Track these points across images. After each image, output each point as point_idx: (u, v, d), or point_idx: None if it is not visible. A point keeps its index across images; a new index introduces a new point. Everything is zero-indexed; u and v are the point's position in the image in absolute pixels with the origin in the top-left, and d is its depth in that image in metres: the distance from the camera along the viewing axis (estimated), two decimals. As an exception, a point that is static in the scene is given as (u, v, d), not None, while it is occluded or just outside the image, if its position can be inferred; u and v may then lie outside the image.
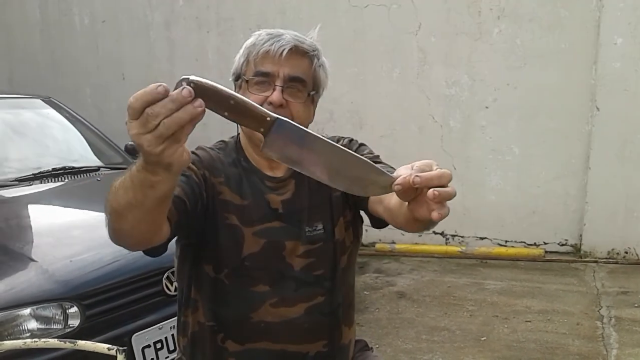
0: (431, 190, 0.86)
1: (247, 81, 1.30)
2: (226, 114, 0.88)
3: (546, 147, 4.64)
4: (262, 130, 0.90)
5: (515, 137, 4.73)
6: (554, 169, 4.65)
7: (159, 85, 0.81)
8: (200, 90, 0.85)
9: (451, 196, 0.89)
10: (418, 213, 0.91)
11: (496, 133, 4.77)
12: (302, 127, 0.92)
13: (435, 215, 0.88)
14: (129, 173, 0.96)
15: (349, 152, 0.92)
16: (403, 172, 0.89)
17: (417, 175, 0.87)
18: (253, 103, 0.90)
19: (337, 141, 1.43)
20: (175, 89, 0.84)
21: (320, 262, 1.35)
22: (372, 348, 1.62)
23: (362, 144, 1.44)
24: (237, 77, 1.34)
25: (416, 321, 3.62)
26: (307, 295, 1.34)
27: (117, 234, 1.07)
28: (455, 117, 4.89)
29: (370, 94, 5.08)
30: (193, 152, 1.36)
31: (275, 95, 1.27)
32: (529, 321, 3.53)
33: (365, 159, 0.92)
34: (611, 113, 4.39)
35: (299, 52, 1.29)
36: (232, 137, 1.44)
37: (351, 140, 1.44)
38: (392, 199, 1.14)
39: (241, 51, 1.34)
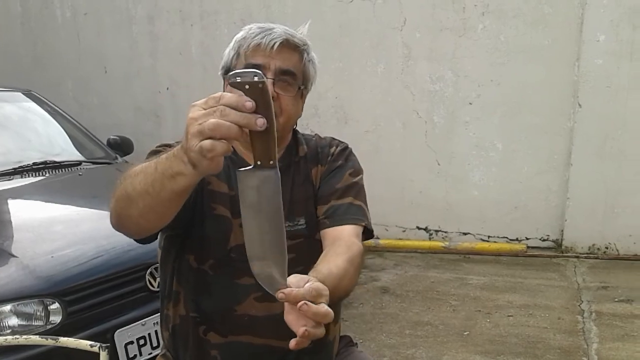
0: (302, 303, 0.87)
1: None
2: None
3: (529, 143, 4.68)
4: (258, 162, 0.89)
5: (498, 133, 4.76)
6: (536, 165, 4.69)
7: (249, 102, 0.84)
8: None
9: (324, 320, 0.90)
10: (289, 319, 0.92)
11: (479, 129, 4.80)
12: (280, 199, 0.92)
13: (301, 330, 0.88)
14: (155, 160, 0.98)
15: (283, 238, 0.93)
16: (294, 282, 0.92)
17: (305, 303, 0.88)
18: (275, 140, 0.87)
19: (333, 146, 1.45)
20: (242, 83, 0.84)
21: (301, 258, 1.30)
22: (356, 344, 1.62)
23: (349, 158, 1.45)
24: (227, 71, 1.33)
25: (400, 316, 3.64)
26: None
27: (121, 220, 1.10)
28: (440, 112, 4.91)
29: (355, 89, 5.08)
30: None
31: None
32: (511, 316, 3.56)
33: (285, 256, 0.93)
34: (593, 110, 4.43)
35: (290, 45, 1.29)
36: None
37: (345, 148, 1.46)
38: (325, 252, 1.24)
39: (231, 45, 1.34)
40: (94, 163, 3.39)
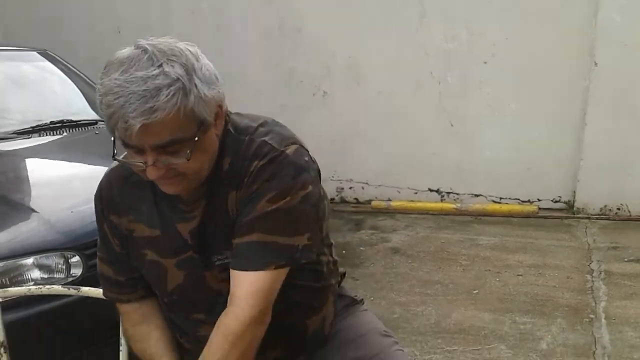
0: None
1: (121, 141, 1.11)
2: None
3: (544, 103, 4.64)
4: None
5: (512, 93, 4.72)
6: (550, 125, 4.66)
7: None
8: None
9: None
10: None
11: (494, 89, 4.76)
12: None
13: None
14: None
15: None
16: None
17: None
18: None
19: (256, 159, 1.17)
20: None
21: None
22: (361, 300, 1.53)
23: (274, 176, 1.15)
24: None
25: (410, 275, 3.70)
26: None
27: None
28: (454, 72, 4.86)
29: (368, 48, 5.04)
30: (98, 205, 1.35)
31: (151, 173, 1.10)
32: (521, 275, 3.61)
33: None
34: (609, 68, 4.37)
35: (152, 124, 1.03)
36: None
37: (272, 160, 1.16)
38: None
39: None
40: (109, 122, 3.42)
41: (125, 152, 1.14)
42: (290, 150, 1.18)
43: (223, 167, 1.19)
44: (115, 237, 1.32)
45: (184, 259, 1.26)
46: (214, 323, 1.24)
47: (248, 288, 1.15)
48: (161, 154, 1.08)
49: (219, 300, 1.24)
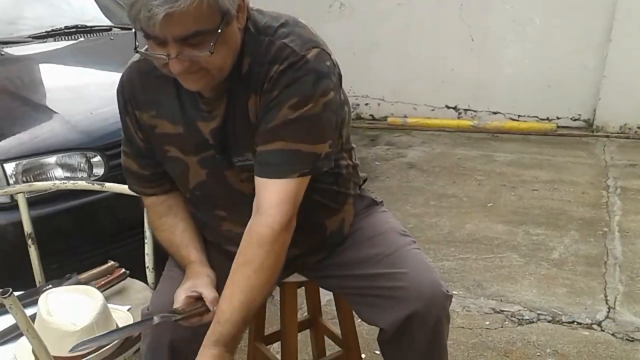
0: None
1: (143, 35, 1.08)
2: None
3: (568, 19, 4.49)
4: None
5: (536, 7, 4.55)
6: (574, 42, 4.53)
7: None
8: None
9: None
10: None
11: (517, 2, 4.59)
12: None
13: None
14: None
15: None
16: None
17: None
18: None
19: (277, 63, 1.13)
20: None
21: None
22: (381, 202, 1.54)
23: (294, 82, 1.13)
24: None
25: (425, 189, 3.73)
26: None
27: None
28: (476, -16, 4.69)
29: (389, -42, 4.84)
30: (120, 99, 1.33)
31: (174, 67, 1.07)
32: (536, 190, 3.62)
33: None
34: (640, -18, 4.19)
35: (175, 14, 1.00)
36: None
37: (292, 65, 1.13)
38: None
39: None
40: (123, 29, 3.37)
41: (147, 45, 1.12)
42: (311, 54, 1.14)
43: (242, 68, 1.17)
44: (139, 131, 1.32)
45: (206, 157, 1.27)
46: (235, 220, 1.31)
47: (276, 196, 1.15)
48: (184, 47, 1.05)
49: (240, 198, 1.27)
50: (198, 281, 1.27)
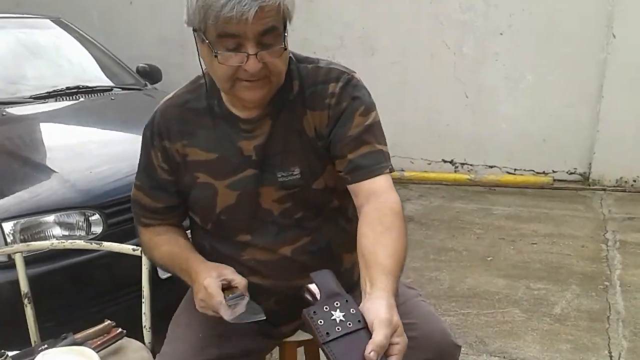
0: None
1: (209, 42, 1.15)
2: None
3: (560, 75, 4.59)
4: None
5: (529, 64, 4.67)
6: (567, 97, 4.62)
7: (220, 305, 1.21)
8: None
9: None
10: None
11: (510, 60, 4.71)
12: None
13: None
14: (179, 265, 1.34)
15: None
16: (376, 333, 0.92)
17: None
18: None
19: (332, 81, 1.27)
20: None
21: (298, 206, 1.31)
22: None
23: (356, 94, 1.27)
24: (195, 30, 1.19)
25: (424, 243, 3.71)
26: (290, 237, 1.32)
27: None
28: (469, 43, 4.82)
29: (383, 19, 4.99)
30: (147, 134, 1.37)
31: (252, 65, 1.15)
32: (535, 243, 3.61)
33: None
34: (627, 40, 4.31)
35: (265, 8, 1.12)
36: (204, 75, 1.32)
37: (348, 82, 1.27)
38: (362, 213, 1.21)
39: (192, 2, 1.15)
40: (124, 89, 3.43)
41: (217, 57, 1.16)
42: (356, 75, 1.31)
43: (293, 90, 1.29)
44: (165, 162, 1.35)
45: (240, 178, 1.30)
46: (257, 245, 1.33)
47: (385, 186, 1.23)
48: (259, 47, 1.14)
49: (267, 218, 1.32)
50: (223, 270, 1.27)
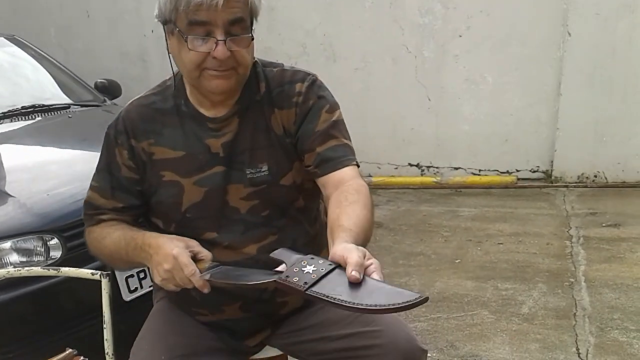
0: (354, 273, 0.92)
1: (179, 30, 1.20)
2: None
3: (519, 75, 4.67)
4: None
5: (488, 65, 4.74)
6: (526, 97, 4.70)
7: (195, 272, 1.17)
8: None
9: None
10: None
11: (470, 62, 4.78)
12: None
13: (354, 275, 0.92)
14: (125, 245, 1.31)
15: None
16: (342, 253, 0.96)
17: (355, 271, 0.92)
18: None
19: (298, 82, 1.33)
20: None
21: (266, 203, 1.33)
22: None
23: (321, 93, 1.33)
24: (165, 22, 1.23)
25: (393, 248, 3.73)
26: (257, 236, 1.33)
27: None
28: (429, 47, 4.86)
29: (343, 25, 5.01)
30: (111, 133, 1.38)
31: (220, 51, 1.19)
32: (501, 243, 3.65)
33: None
34: (583, 38, 4.41)
35: None
36: (172, 77, 1.37)
37: (313, 82, 1.34)
38: (330, 201, 1.23)
39: None
40: (82, 106, 3.37)
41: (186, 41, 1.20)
42: (319, 76, 1.38)
43: (260, 91, 1.33)
44: (130, 159, 1.35)
45: (208, 175, 1.31)
46: (223, 244, 1.33)
47: (352, 173, 1.28)
48: (227, 36, 1.19)
49: (233, 216, 1.33)
50: (189, 242, 1.24)
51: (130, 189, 1.37)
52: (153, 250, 1.23)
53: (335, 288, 0.91)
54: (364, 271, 0.93)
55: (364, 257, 0.95)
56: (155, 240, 1.24)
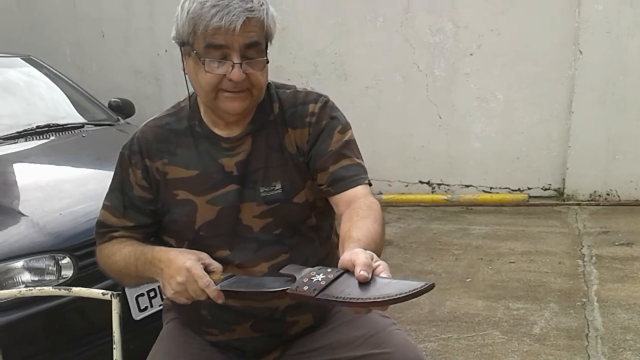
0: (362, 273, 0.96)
1: (196, 53, 1.24)
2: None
3: (530, 93, 4.68)
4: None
5: (499, 83, 4.75)
6: (537, 115, 4.70)
7: (210, 283, 1.18)
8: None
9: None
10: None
11: (480, 80, 4.79)
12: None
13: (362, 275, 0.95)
14: (134, 260, 1.31)
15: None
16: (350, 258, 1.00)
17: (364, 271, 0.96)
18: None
19: (311, 102, 1.35)
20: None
21: (278, 221, 1.34)
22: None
23: (333, 114, 1.36)
24: (183, 43, 1.27)
25: (404, 266, 3.71)
26: (269, 254, 1.34)
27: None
28: (440, 65, 4.89)
29: (354, 44, 5.05)
30: (126, 152, 1.40)
31: (236, 74, 1.23)
32: (513, 262, 3.63)
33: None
34: (594, 56, 4.41)
35: (251, 21, 1.22)
36: (186, 98, 1.40)
37: (326, 103, 1.36)
38: (344, 218, 1.25)
39: (183, 16, 1.23)
40: (96, 125, 3.42)
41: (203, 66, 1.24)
42: (330, 98, 1.41)
43: (273, 111, 1.36)
44: (144, 179, 1.37)
45: (222, 194, 1.33)
46: (234, 263, 1.33)
47: (364, 191, 1.30)
48: (243, 59, 1.22)
49: (246, 234, 1.34)
50: (200, 255, 1.25)
51: (143, 208, 1.38)
52: (164, 264, 1.23)
53: (344, 290, 0.94)
54: (372, 272, 0.96)
55: (372, 259, 0.99)
56: (166, 254, 1.25)
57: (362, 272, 0.94)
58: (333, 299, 0.93)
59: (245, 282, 1.20)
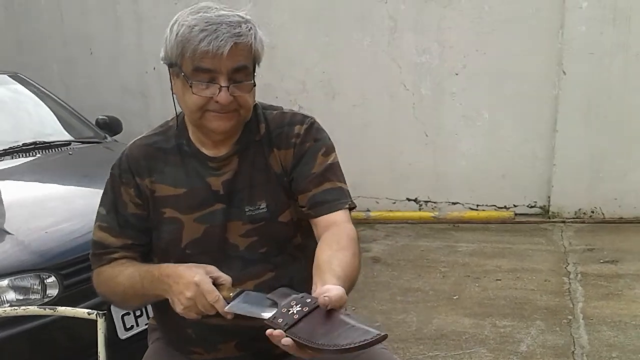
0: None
1: (184, 75, 1.25)
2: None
3: (515, 112, 4.73)
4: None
5: (484, 102, 4.80)
6: (522, 133, 4.75)
7: (219, 298, 1.17)
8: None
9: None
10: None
11: (466, 99, 4.84)
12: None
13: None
14: (140, 279, 1.30)
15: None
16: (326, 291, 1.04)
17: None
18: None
19: (297, 124, 1.38)
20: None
21: (264, 240, 1.35)
22: (345, 309, 1.58)
23: (318, 136, 1.38)
24: (171, 65, 1.29)
25: (391, 284, 3.72)
26: (254, 272, 1.34)
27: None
28: (426, 84, 4.94)
29: (342, 63, 5.09)
30: (116, 172, 1.41)
31: (223, 97, 1.25)
32: (499, 280, 3.65)
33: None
34: (577, 77, 4.48)
35: (239, 46, 1.23)
36: (174, 117, 1.41)
37: (312, 124, 1.39)
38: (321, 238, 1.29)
39: (172, 38, 1.25)
40: (83, 142, 3.41)
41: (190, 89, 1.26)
42: (316, 120, 1.43)
43: (260, 132, 1.38)
44: (137, 197, 1.38)
45: (208, 213, 1.34)
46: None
47: (344, 217, 1.32)
48: (230, 82, 1.24)
49: (232, 253, 1.35)
50: (208, 268, 1.24)
51: (138, 225, 1.39)
52: (172, 280, 1.22)
53: (313, 327, 1.00)
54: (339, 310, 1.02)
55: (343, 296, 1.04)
56: (174, 270, 1.24)
57: (326, 299, 1.01)
58: (298, 339, 0.99)
59: (251, 299, 1.19)
